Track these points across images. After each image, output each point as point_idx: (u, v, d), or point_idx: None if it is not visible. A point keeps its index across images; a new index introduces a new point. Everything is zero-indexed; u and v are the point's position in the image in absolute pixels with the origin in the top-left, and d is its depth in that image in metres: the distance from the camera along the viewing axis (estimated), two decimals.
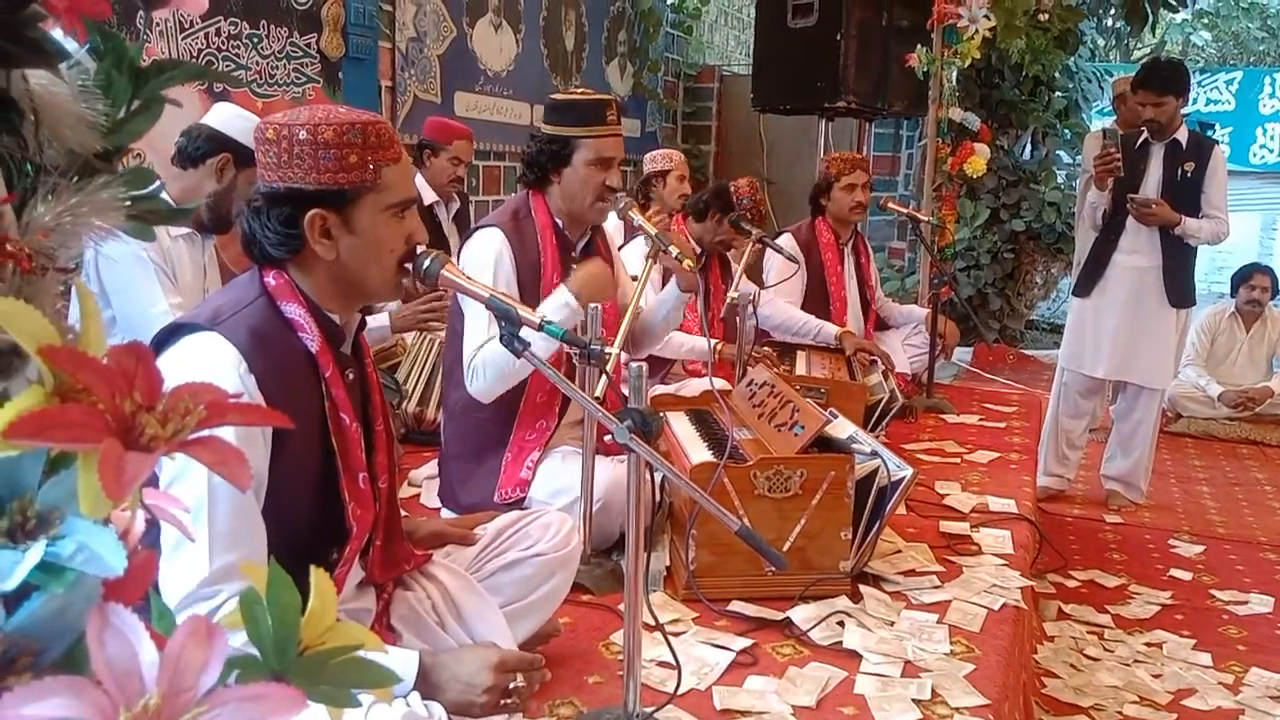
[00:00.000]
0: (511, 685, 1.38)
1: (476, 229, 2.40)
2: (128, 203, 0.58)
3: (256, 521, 1.30)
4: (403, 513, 1.69)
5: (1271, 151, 11.56)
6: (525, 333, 1.48)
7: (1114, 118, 3.90)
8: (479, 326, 2.20)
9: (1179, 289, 3.87)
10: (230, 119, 2.47)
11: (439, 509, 2.42)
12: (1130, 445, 4.07)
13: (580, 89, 2.47)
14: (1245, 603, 3.23)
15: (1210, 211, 3.81)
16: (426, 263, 1.46)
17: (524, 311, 1.46)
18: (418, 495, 2.59)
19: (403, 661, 1.34)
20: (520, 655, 1.44)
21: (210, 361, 1.30)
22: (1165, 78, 3.76)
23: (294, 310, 1.39)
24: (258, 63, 3.86)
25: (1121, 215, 3.83)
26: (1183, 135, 3.82)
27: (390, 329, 2.99)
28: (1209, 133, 4.64)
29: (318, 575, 0.66)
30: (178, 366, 1.29)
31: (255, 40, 3.83)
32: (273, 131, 1.36)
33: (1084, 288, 3.99)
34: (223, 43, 3.68)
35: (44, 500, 0.53)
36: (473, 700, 1.35)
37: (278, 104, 3.83)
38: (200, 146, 2.41)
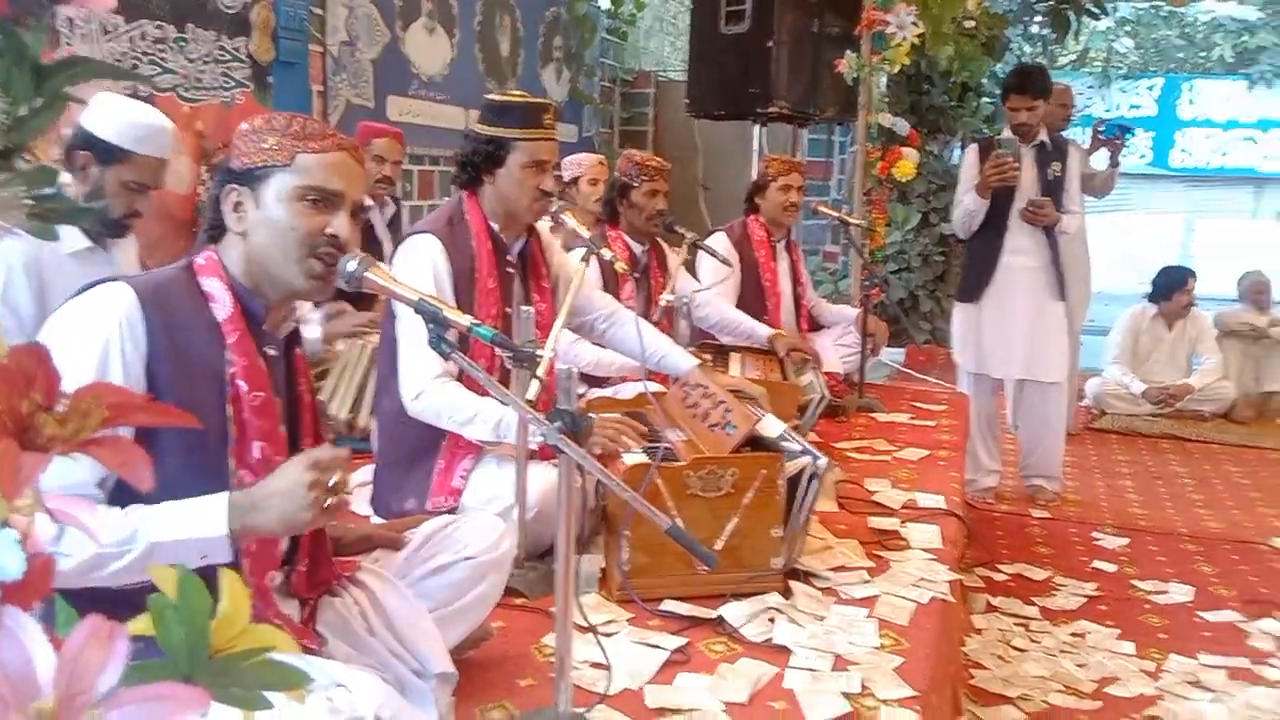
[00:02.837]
0: (331, 482, 1.32)
1: (410, 235, 2.39)
2: (28, 201, 0.57)
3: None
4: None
5: (1191, 155, 11.94)
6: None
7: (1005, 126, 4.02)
8: (424, 335, 2.19)
9: (1063, 283, 4.05)
10: (100, 116, 2.24)
11: (369, 517, 2.40)
12: (1045, 440, 4.21)
13: (518, 91, 2.47)
14: (1166, 592, 3.34)
15: (1071, 208, 4.04)
16: (351, 265, 1.46)
17: (451, 314, 1.46)
18: (348, 503, 2.56)
19: (212, 509, 1.29)
20: (329, 449, 1.37)
21: (102, 297, 1.37)
22: (1037, 83, 3.92)
23: (212, 284, 1.46)
24: (184, 67, 3.79)
25: (1003, 219, 3.95)
26: (1045, 138, 3.99)
27: (323, 339, 2.96)
28: (1127, 135, 4.77)
29: (227, 577, 0.66)
30: (71, 307, 1.38)
31: (181, 44, 3.77)
32: (236, 133, 1.51)
33: (973, 293, 4.11)
34: (148, 46, 3.61)
35: None
36: (300, 506, 1.29)
37: (206, 109, 3.76)
38: (68, 143, 2.23)
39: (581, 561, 2.14)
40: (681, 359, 2.60)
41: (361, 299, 3.21)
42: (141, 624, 0.65)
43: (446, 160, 5.49)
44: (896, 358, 6.63)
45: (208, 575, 0.65)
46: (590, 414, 1.52)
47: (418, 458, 2.32)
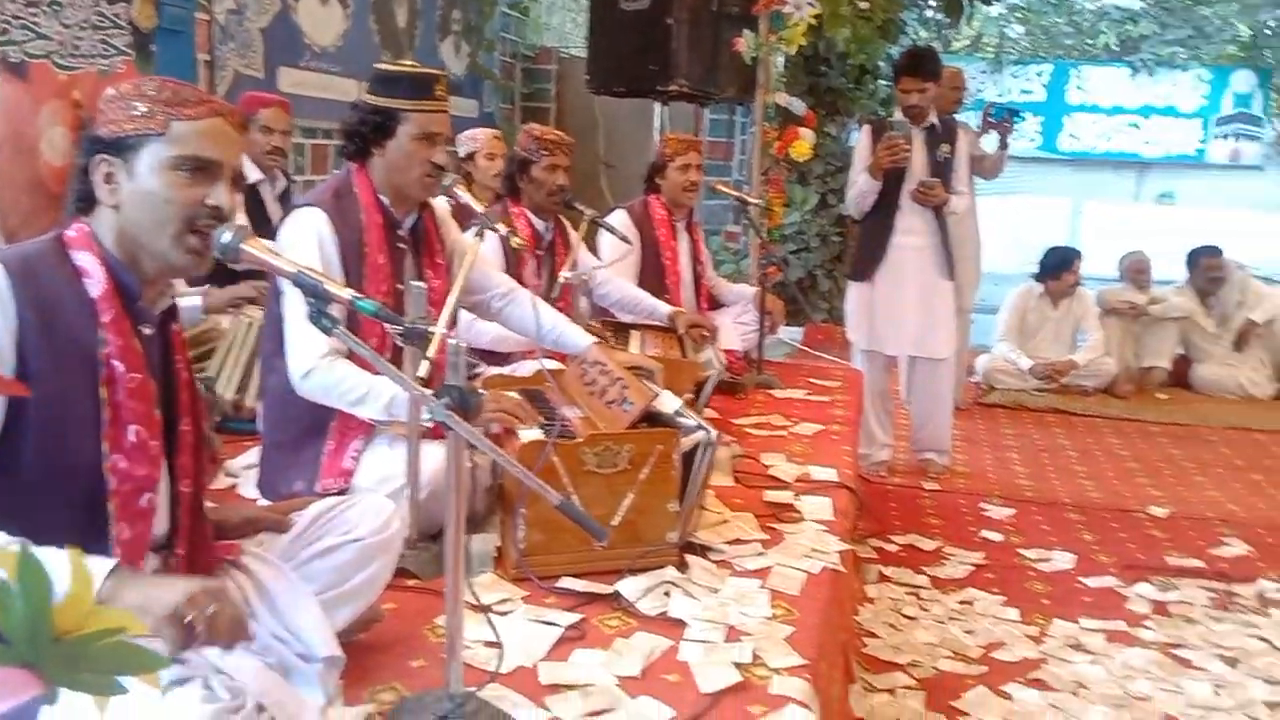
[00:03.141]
0: (209, 611, 1.20)
1: (295, 207, 2.32)
2: None
3: None
4: (211, 504, 1.62)
5: (1078, 140, 12.36)
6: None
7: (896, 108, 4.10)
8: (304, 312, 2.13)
9: (951, 262, 4.17)
10: None
11: (257, 499, 2.33)
12: (935, 414, 4.34)
13: (409, 61, 2.41)
14: (1049, 560, 3.47)
15: (959, 188, 4.16)
16: (226, 236, 1.41)
17: (333, 287, 1.42)
18: (235, 486, 2.49)
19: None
20: (213, 583, 1.28)
21: None
22: (928, 65, 4.01)
23: (83, 258, 1.39)
24: (60, 33, 3.60)
25: (894, 199, 4.04)
26: (934, 120, 4.10)
27: (202, 309, 2.86)
28: (1016, 119, 4.92)
29: (70, 556, 0.62)
30: None
31: (56, 9, 3.58)
32: (101, 99, 1.43)
33: (865, 272, 4.20)
34: (19, 10, 3.42)
35: None
36: (161, 628, 1.17)
37: (84, 77, 3.60)
38: None
39: (474, 540, 2.12)
40: (578, 336, 2.58)
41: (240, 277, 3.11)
42: None
43: (341, 134, 5.36)
44: (795, 336, 6.72)
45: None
46: (480, 390, 1.49)
47: (306, 438, 2.26)
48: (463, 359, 1.51)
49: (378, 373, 2.19)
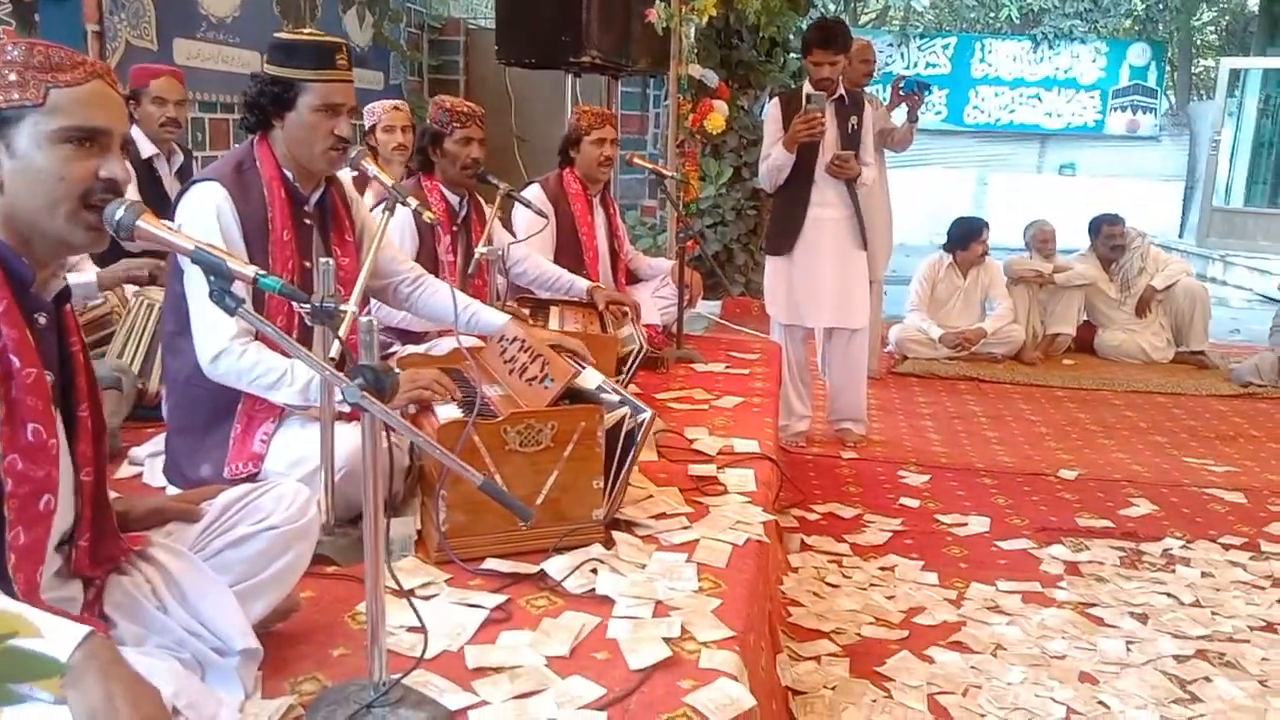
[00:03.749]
0: None
1: (194, 182, 2.21)
2: None
3: None
4: (114, 495, 1.54)
5: (983, 112, 12.64)
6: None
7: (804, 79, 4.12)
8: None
9: (864, 233, 4.21)
10: None
11: (164, 487, 2.24)
12: (851, 384, 4.39)
13: (309, 31, 2.31)
14: (965, 524, 3.53)
15: (866, 159, 4.20)
16: (119, 213, 1.32)
17: (235, 264, 1.35)
18: (140, 475, 2.39)
19: (63, 635, 1.07)
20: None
21: None
22: (839, 38, 4.03)
23: None
24: None
25: (809, 172, 4.06)
26: (843, 92, 4.13)
27: (97, 285, 2.72)
28: (926, 92, 4.98)
29: None
30: None
31: None
32: None
33: (783, 245, 4.21)
34: None
35: None
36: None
37: None
38: None
39: (394, 524, 2.06)
40: (493, 316, 2.53)
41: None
42: None
43: (240, 108, 5.18)
44: (713, 310, 6.74)
45: None
46: (395, 369, 1.44)
47: (213, 422, 2.17)
48: (375, 338, 1.46)
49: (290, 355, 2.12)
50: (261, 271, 1.36)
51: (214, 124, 5.18)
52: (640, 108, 7.73)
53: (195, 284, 2.08)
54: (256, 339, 2.11)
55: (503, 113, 7.19)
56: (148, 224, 1.34)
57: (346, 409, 1.96)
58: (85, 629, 1.11)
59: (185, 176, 3.69)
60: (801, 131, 3.91)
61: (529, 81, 6.93)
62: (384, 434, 1.47)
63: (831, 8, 8.79)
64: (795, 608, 2.86)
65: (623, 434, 2.15)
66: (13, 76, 1.28)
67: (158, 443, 2.40)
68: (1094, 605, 2.95)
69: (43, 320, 1.35)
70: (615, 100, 6.68)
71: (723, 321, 6.55)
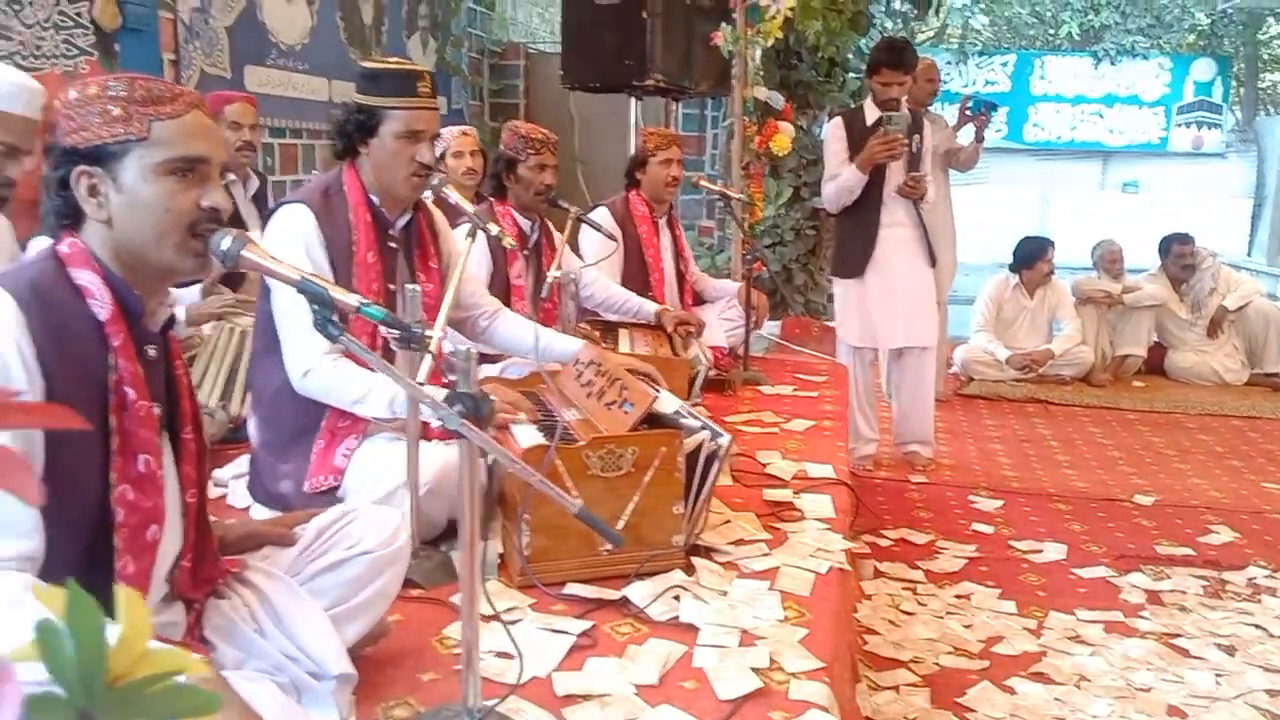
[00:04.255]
0: None
1: (280, 205, 2.26)
2: None
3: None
4: (213, 519, 1.56)
5: (1044, 130, 12.48)
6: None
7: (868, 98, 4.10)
8: (309, 310, 2.08)
9: (932, 250, 4.18)
10: None
11: (248, 508, 2.27)
12: (920, 404, 4.34)
13: (395, 59, 2.35)
14: (1041, 551, 3.46)
15: (927, 177, 4.16)
16: (225, 243, 1.35)
17: (339, 294, 1.37)
18: (224, 496, 2.42)
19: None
20: None
21: None
22: (909, 57, 4.02)
23: (85, 277, 1.31)
24: (21, 33, 3.51)
25: (878, 192, 4.03)
26: (905, 111, 4.09)
27: (187, 323, 2.78)
28: (993, 112, 4.93)
29: (126, 596, 0.57)
30: None
31: (17, 8, 3.48)
32: (58, 100, 1.32)
33: (855, 267, 4.16)
34: None
35: None
36: None
37: (48, 78, 3.48)
38: None
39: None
40: (568, 343, 2.55)
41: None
42: (24, 651, 0.57)
43: (310, 133, 5.27)
44: (773, 330, 6.71)
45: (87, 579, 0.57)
46: (492, 396, 1.45)
47: (297, 436, 2.20)
48: (474, 365, 1.46)
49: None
50: (365, 301, 1.38)
51: (283, 149, 5.27)
52: (699, 128, 7.74)
53: (285, 304, 2.11)
54: (344, 355, 2.14)
55: (565, 135, 7.20)
56: (252, 254, 1.37)
57: (436, 424, 1.98)
58: (196, 657, 1.13)
59: (260, 201, 3.76)
60: (880, 152, 3.89)
61: (589, 104, 6.97)
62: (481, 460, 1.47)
63: (889, 25, 8.72)
64: (871, 635, 2.82)
65: (701, 458, 2.14)
66: (116, 111, 1.31)
67: (241, 464, 2.44)
68: (1178, 636, 2.87)
69: (152, 353, 1.38)
70: (673, 121, 6.70)
71: (783, 342, 6.51)
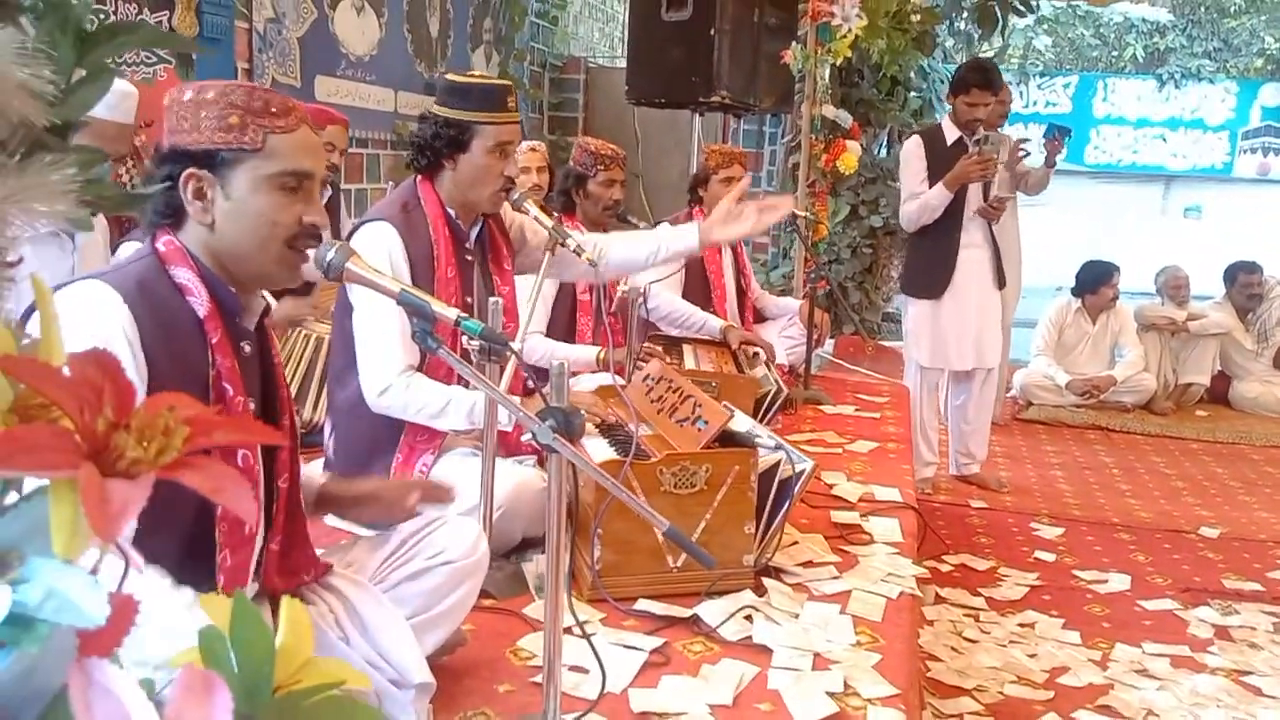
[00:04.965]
0: None
1: (363, 223, 2.29)
2: (78, 186, 0.49)
3: None
4: (325, 476, 1.59)
5: (1105, 152, 12.32)
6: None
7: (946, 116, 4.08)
8: (386, 329, 2.10)
9: (1003, 272, 4.18)
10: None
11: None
12: (981, 425, 4.32)
13: (478, 73, 2.38)
14: (1105, 581, 3.40)
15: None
16: (330, 255, 1.38)
17: (439, 307, 1.39)
18: None
19: None
20: None
21: (94, 307, 1.25)
22: (996, 79, 4.03)
23: (183, 274, 1.34)
24: None
25: (959, 213, 4.01)
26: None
27: None
28: (1066, 138, 4.86)
29: (289, 605, 0.59)
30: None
31: (101, 18, 3.58)
32: (169, 97, 1.35)
33: (933, 289, 4.12)
34: None
35: None
36: None
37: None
38: None
39: (544, 562, 2.08)
40: (687, 237, 2.52)
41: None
42: (187, 655, 0.58)
43: (375, 143, 5.35)
44: (827, 349, 6.67)
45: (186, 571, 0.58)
46: (581, 411, 1.46)
47: (375, 451, 2.23)
48: (566, 379, 1.48)
49: (451, 382, 2.17)
50: (464, 315, 1.40)
51: (349, 160, 5.35)
52: (757, 145, 7.73)
53: (365, 320, 2.14)
54: (419, 371, 2.17)
55: (624, 150, 7.27)
56: (356, 267, 1.40)
57: (525, 437, 1.99)
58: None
59: (333, 211, 3.82)
60: (975, 171, 3.87)
61: (648, 119, 7.00)
62: (538, 472, 1.49)
63: (951, 45, 8.66)
64: (934, 662, 2.79)
65: (776, 480, 2.13)
66: (234, 119, 1.34)
67: (315, 468, 2.47)
68: (1249, 673, 2.80)
69: (247, 349, 1.41)
70: (734, 137, 6.72)
71: (837, 360, 6.48)
